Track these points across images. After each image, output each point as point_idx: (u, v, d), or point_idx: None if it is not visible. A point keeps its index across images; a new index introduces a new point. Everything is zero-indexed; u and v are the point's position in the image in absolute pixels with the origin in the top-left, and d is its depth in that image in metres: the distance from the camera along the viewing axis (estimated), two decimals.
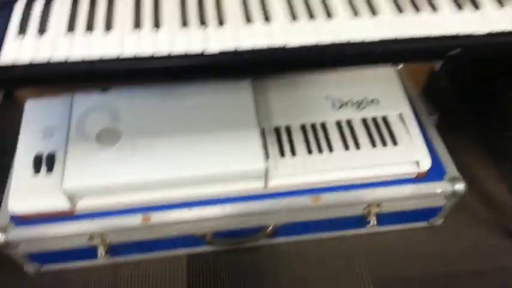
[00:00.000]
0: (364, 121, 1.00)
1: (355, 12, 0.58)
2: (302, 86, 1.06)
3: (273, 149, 0.96)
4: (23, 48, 0.53)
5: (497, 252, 1.09)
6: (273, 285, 1.04)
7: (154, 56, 0.52)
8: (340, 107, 1.02)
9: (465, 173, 1.01)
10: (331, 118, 1.00)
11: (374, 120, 1.00)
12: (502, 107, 1.33)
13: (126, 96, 0.97)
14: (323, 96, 1.04)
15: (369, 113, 1.01)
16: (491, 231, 1.12)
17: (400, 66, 1.11)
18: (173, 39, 0.53)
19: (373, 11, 0.58)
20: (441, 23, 0.55)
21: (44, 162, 0.93)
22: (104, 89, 1.00)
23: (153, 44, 0.53)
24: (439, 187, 0.96)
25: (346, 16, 0.57)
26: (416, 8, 0.58)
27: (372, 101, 1.03)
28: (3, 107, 1.35)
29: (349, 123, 1.00)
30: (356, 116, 1.00)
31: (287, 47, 0.52)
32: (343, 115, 1.00)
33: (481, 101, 1.37)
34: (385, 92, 1.04)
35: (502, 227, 1.12)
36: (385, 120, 1.00)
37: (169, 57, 0.52)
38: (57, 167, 0.92)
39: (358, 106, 1.02)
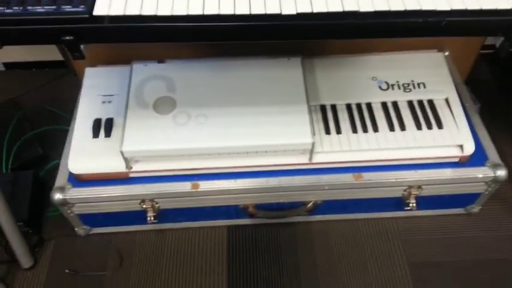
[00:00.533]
0: (410, 103, 1.02)
1: None
2: (349, 66, 1.08)
3: (319, 126, 0.99)
4: (113, 2, 0.57)
5: None
6: (308, 261, 1.07)
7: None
8: (387, 88, 1.04)
9: (504, 163, 1.02)
10: (377, 99, 1.02)
11: (420, 103, 1.02)
12: None
13: (181, 68, 1.02)
14: (370, 77, 1.06)
15: (416, 96, 1.03)
16: None
17: (447, 53, 1.13)
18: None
19: None
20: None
21: (103, 127, 0.98)
22: (160, 60, 1.04)
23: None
24: (480, 172, 0.98)
25: None
26: None
27: (419, 84, 1.05)
28: (61, 77, 1.43)
29: (395, 104, 1.02)
30: (402, 98, 1.02)
31: (359, 11, 0.55)
32: (389, 97, 1.03)
33: None
34: (432, 76, 1.05)
35: None
36: (431, 103, 1.02)
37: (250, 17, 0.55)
38: (115, 132, 0.97)
39: (405, 89, 1.04)
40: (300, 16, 0.57)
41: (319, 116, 1.01)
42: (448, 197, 1.05)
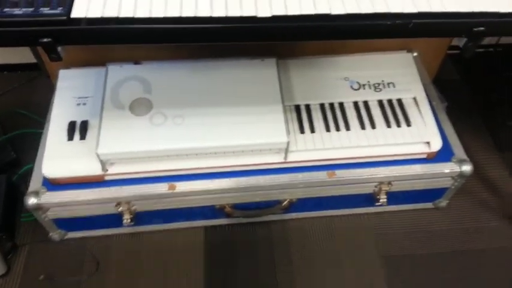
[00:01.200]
0: (380, 102, 1.06)
1: None
2: (322, 67, 1.11)
3: (294, 126, 1.02)
4: (91, 5, 0.58)
5: (497, 234, 1.15)
6: (284, 258, 1.09)
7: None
8: (358, 88, 1.08)
9: (470, 159, 1.07)
10: (349, 99, 1.06)
11: (390, 102, 1.06)
12: (506, 99, 1.40)
13: (157, 69, 1.02)
14: (342, 78, 1.09)
15: (385, 95, 1.07)
16: (493, 214, 1.19)
17: (416, 53, 1.17)
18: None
19: None
20: (470, 1, 0.61)
21: (78, 130, 0.97)
22: (136, 61, 1.04)
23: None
24: (447, 167, 1.03)
25: None
26: None
27: (389, 84, 1.09)
28: (33, 80, 1.40)
29: (366, 104, 1.06)
30: (373, 98, 1.06)
31: (331, 14, 0.57)
32: (361, 96, 1.06)
33: (487, 93, 1.43)
34: (401, 76, 1.10)
35: (503, 211, 1.19)
36: (400, 102, 1.06)
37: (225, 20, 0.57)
38: (90, 134, 0.97)
39: (375, 88, 1.08)
40: (275, 18, 0.59)
41: (293, 116, 1.04)
42: (417, 192, 1.09)
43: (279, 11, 0.58)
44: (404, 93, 1.07)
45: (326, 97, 1.07)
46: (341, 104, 1.06)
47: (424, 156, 1.02)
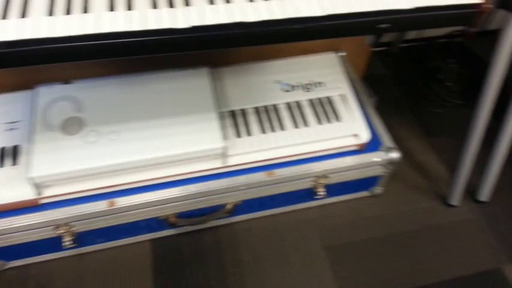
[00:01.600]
0: (311, 101, 1.11)
1: None
2: (255, 72, 1.15)
3: (230, 131, 1.04)
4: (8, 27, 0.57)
5: (431, 213, 1.23)
6: (233, 260, 1.11)
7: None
8: (290, 90, 1.12)
9: (401, 146, 1.14)
10: (281, 100, 1.10)
11: (319, 100, 1.11)
12: (430, 88, 1.51)
13: (88, 87, 1.01)
14: (274, 81, 1.13)
15: (315, 94, 1.12)
16: (425, 195, 1.27)
17: (343, 53, 1.24)
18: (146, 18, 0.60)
19: None
20: (373, 1, 0.66)
21: (8, 155, 0.94)
22: (66, 81, 1.03)
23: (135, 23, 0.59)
24: (377, 156, 1.09)
25: None
26: None
27: (318, 83, 1.14)
28: None
29: (298, 104, 1.10)
30: (304, 98, 1.11)
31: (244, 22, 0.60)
32: (293, 97, 1.11)
33: (413, 84, 1.53)
34: (329, 75, 1.15)
35: (433, 191, 1.28)
36: (329, 100, 1.11)
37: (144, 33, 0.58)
38: (22, 158, 0.94)
39: (306, 89, 1.13)
40: (195, 29, 0.61)
41: (230, 121, 1.06)
42: (353, 182, 1.15)
43: (198, 21, 0.60)
44: (333, 91, 1.13)
45: (260, 100, 1.10)
46: (275, 106, 1.10)
47: (355, 148, 1.08)
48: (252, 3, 0.64)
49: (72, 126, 0.95)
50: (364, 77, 1.41)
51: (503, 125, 1.07)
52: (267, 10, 0.62)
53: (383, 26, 0.66)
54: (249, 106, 1.09)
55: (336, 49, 1.24)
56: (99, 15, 0.60)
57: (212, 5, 0.64)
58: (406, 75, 1.57)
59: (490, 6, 0.69)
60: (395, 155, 1.09)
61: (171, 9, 0.63)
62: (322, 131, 1.05)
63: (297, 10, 0.63)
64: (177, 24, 0.60)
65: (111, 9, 0.62)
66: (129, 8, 0.62)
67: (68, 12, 0.61)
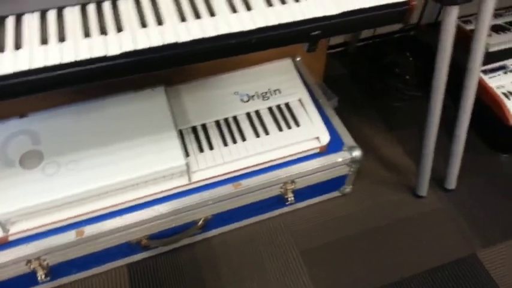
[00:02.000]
0: (270, 109, 1.12)
1: (233, 10, 0.69)
2: (213, 86, 1.16)
3: (192, 147, 1.05)
4: None
5: (400, 206, 1.25)
6: (212, 275, 1.11)
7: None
8: (248, 100, 1.14)
9: (365, 143, 1.16)
10: (241, 111, 1.12)
11: (278, 107, 1.13)
12: (389, 83, 1.54)
13: (45, 118, 1.01)
14: (232, 93, 1.15)
15: (274, 101, 1.14)
16: (394, 189, 1.29)
17: (298, 58, 1.26)
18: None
19: (247, 6, 0.69)
20: (302, 10, 0.68)
21: None
22: (22, 114, 1.03)
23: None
24: (340, 156, 1.11)
25: (226, 11, 0.68)
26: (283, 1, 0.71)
27: (275, 91, 1.16)
28: None
29: (257, 113, 1.12)
30: (263, 106, 1.13)
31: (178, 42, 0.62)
32: (252, 107, 1.12)
33: (372, 81, 1.56)
34: (285, 82, 1.18)
35: (401, 184, 1.30)
36: (287, 106, 1.13)
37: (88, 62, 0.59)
38: None
39: (264, 97, 1.15)
40: (124, 55, 0.62)
41: (191, 137, 1.07)
42: (321, 184, 1.16)
43: (128, 46, 0.61)
44: (290, 97, 1.15)
45: (220, 114, 1.12)
46: (234, 118, 1.11)
47: (318, 150, 1.10)
48: (184, 22, 0.65)
49: (30, 159, 0.95)
50: (324, 79, 1.44)
51: (458, 111, 1.10)
52: (200, 28, 0.64)
53: (315, 33, 0.68)
54: (209, 120, 1.10)
55: (292, 55, 1.27)
56: (31, 49, 0.61)
57: (144, 29, 0.65)
58: (364, 73, 1.60)
59: (416, 3, 0.71)
60: (357, 153, 1.11)
61: (102, 36, 0.64)
62: (283, 138, 1.07)
63: (230, 26, 0.64)
64: (108, 51, 0.61)
65: (44, 42, 0.62)
66: (63, 39, 0.63)
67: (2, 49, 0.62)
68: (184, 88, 1.16)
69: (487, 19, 0.94)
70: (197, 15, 0.68)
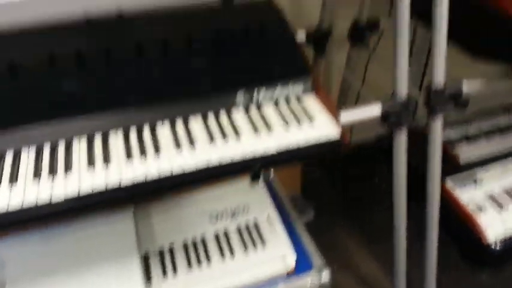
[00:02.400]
0: (238, 228, 1.14)
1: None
2: (183, 206, 1.19)
3: (156, 270, 1.05)
4: None
5: None
6: None
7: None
8: (217, 218, 1.16)
9: (340, 257, 1.13)
10: (209, 231, 1.13)
11: (246, 225, 1.14)
12: (366, 192, 1.56)
13: (9, 245, 1.03)
14: (202, 212, 1.17)
15: (242, 219, 1.15)
16: None
17: (271, 174, 1.29)
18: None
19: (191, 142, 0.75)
20: (242, 148, 0.73)
21: None
22: None
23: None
24: (307, 279, 1.08)
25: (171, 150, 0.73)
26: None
27: (243, 208, 1.18)
28: None
29: (225, 233, 1.13)
30: (231, 225, 1.14)
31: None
32: (220, 226, 1.14)
33: (347, 190, 1.58)
34: (254, 199, 1.20)
35: None
36: (255, 224, 1.15)
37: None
38: None
39: (233, 215, 1.16)
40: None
41: (156, 260, 1.07)
42: None
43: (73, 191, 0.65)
44: (258, 214, 1.17)
45: (189, 234, 1.13)
46: (203, 239, 1.12)
47: (285, 273, 1.08)
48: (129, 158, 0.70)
49: None
50: (302, 183, 1.45)
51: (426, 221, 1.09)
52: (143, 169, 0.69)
53: (257, 165, 0.72)
54: (177, 241, 1.11)
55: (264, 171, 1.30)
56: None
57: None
58: (341, 179, 1.63)
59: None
60: (326, 276, 1.08)
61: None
62: (248, 260, 1.06)
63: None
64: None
65: None
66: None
67: None
68: (155, 208, 1.18)
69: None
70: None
